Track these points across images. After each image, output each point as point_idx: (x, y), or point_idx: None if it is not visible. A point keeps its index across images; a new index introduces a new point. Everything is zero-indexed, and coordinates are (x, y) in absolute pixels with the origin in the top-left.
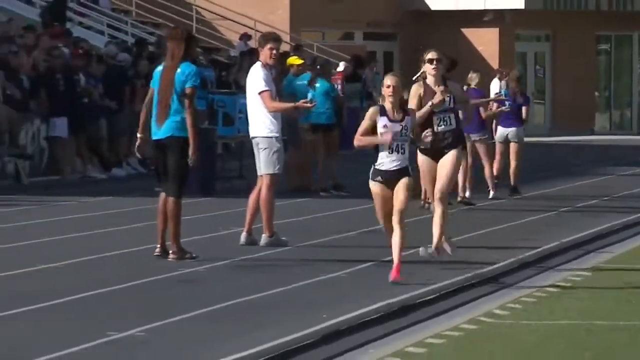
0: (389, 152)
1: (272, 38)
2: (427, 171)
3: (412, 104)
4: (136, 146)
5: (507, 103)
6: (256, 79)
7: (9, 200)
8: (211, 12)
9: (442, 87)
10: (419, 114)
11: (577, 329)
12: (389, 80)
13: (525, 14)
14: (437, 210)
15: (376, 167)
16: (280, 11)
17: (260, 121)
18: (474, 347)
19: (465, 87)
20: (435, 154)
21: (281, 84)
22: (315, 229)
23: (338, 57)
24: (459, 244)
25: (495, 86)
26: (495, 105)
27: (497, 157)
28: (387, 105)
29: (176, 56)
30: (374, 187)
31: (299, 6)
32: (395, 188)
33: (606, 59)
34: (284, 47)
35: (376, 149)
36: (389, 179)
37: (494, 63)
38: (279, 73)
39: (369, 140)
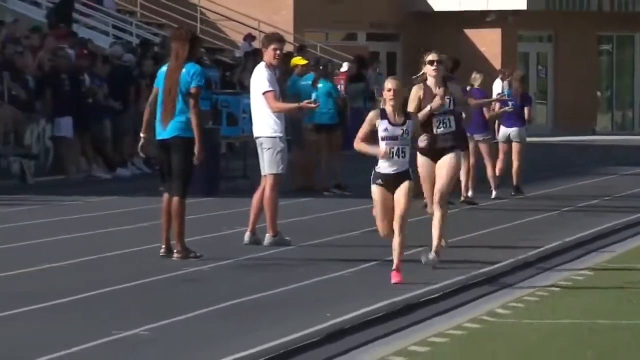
0: (389, 157)
1: (276, 39)
2: (426, 175)
3: (411, 106)
4: (139, 146)
5: (510, 103)
6: (260, 79)
7: (14, 200)
8: (215, 13)
9: (442, 89)
10: (417, 116)
11: (579, 327)
12: (389, 83)
13: (528, 14)
14: (437, 213)
15: (377, 170)
16: (284, 12)
17: (264, 121)
18: (477, 346)
19: (468, 88)
20: (435, 155)
21: (285, 84)
22: (318, 229)
23: (341, 57)
24: (461, 244)
25: (497, 86)
26: (497, 105)
27: (500, 156)
28: (388, 108)
29: (180, 57)
30: (375, 191)
31: (303, 7)
32: (396, 193)
33: (608, 59)
34: (288, 48)
35: None
36: (390, 181)
37: (497, 64)
38: (282, 73)
39: (365, 148)
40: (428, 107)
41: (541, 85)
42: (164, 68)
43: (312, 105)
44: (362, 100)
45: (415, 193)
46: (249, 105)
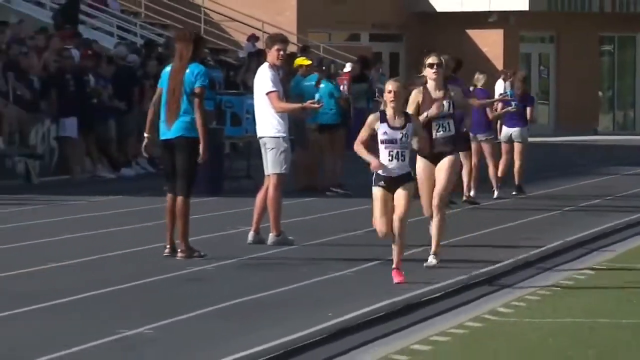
0: (389, 160)
1: (280, 39)
2: (424, 178)
3: (409, 110)
4: (143, 146)
5: (513, 103)
6: (264, 79)
7: (19, 200)
8: (219, 14)
9: (442, 91)
10: (418, 118)
11: (580, 326)
12: (390, 85)
13: (530, 15)
14: (435, 217)
15: (378, 172)
16: (287, 13)
17: (268, 121)
18: (479, 345)
19: (471, 88)
20: (434, 158)
21: (288, 84)
22: (321, 228)
23: (344, 58)
24: (463, 243)
25: (499, 87)
26: (500, 105)
27: (503, 157)
28: (389, 111)
29: (184, 57)
30: (376, 191)
31: (306, 8)
32: (397, 193)
33: (609, 60)
34: (291, 48)
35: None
36: (391, 183)
37: (499, 64)
38: (286, 74)
39: (363, 154)
40: (425, 114)
41: (543, 85)
42: (168, 68)
43: (316, 105)
44: (365, 101)
45: (415, 193)
46: (252, 105)
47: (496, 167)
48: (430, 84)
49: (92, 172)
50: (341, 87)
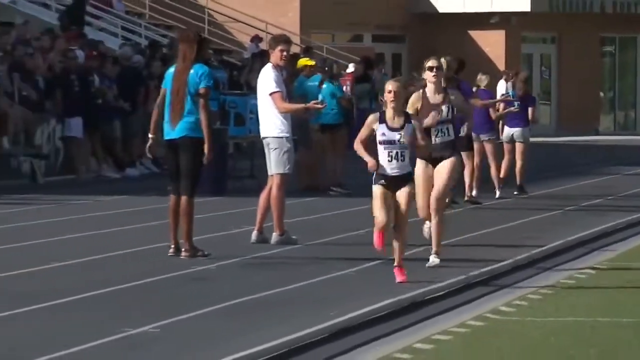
0: (389, 160)
1: (283, 40)
2: (422, 179)
3: None
4: (148, 146)
5: (515, 104)
6: (267, 80)
7: (25, 199)
8: (223, 15)
9: (441, 95)
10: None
11: (582, 325)
12: (390, 85)
13: (531, 16)
14: (434, 220)
15: (378, 171)
16: (290, 14)
17: (271, 122)
18: (481, 343)
19: (475, 89)
20: (433, 161)
21: (292, 85)
22: (324, 228)
23: (347, 58)
24: (465, 243)
25: (501, 87)
26: (502, 105)
27: (506, 157)
28: (389, 111)
29: (188, 58)
30: (376, 189)
31: (309, 9)
32: (397, 194)
33: (611, 60)
34: (294, 49)
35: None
36: (391, 182)
37: (500, 65)
38: (289, 74)
39: (361, 153)
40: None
41: (545, 86)
42: (172, 69)
43: (319, 106)
44: (368, 101)
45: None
46: (256, 105)
47: (498, 168)
48: (430, 87)
49: (97, 172)
50: (344, 88)
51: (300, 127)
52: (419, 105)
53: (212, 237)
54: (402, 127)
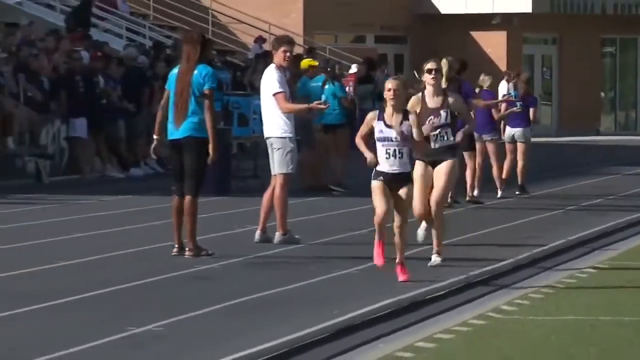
0: (387, 157)
1: (286, 41)
2: (420, 180)
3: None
4: (152, 147)
5: (518, 104)
6: (270, 80)
7: (30, 199)
8: (227, 16)
9: (439, 98)
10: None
11: (582, 324)
12: (390, 84)
13: (533, 17)
14: (436, 222)
15: (377, 169)
16: (294, 15)
17: (274, 122)
18: (483, 342)
19: (477, 90)
20: (432, 163)
21: (295, 85)
22: (327, 227)
23: (350, 59)
24: (467, 242)
25: (503, 88)
26: (504, 106)
27: (508, 157)
28: (388, 109)
29: (192, 59)
30: (374, 184)
31: (312, 10)
32: (398, 194)
33: (611, 61)
34: (298, 50)
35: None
36: (390, 180)
37: (502, 65)
38: (293, 75)
39: (361, 148)
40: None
41: (546, 87)
42: (175, 70)
43: (322, 106)
44: (370, 102)
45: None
46: (259, 106)
47: (501, 169)
48: (428, 90)
49: (101, 171)
50: (347, 89)
51: (303, 128)
52: (418, 109)
53: (215, 237)
54: (400, 125)
